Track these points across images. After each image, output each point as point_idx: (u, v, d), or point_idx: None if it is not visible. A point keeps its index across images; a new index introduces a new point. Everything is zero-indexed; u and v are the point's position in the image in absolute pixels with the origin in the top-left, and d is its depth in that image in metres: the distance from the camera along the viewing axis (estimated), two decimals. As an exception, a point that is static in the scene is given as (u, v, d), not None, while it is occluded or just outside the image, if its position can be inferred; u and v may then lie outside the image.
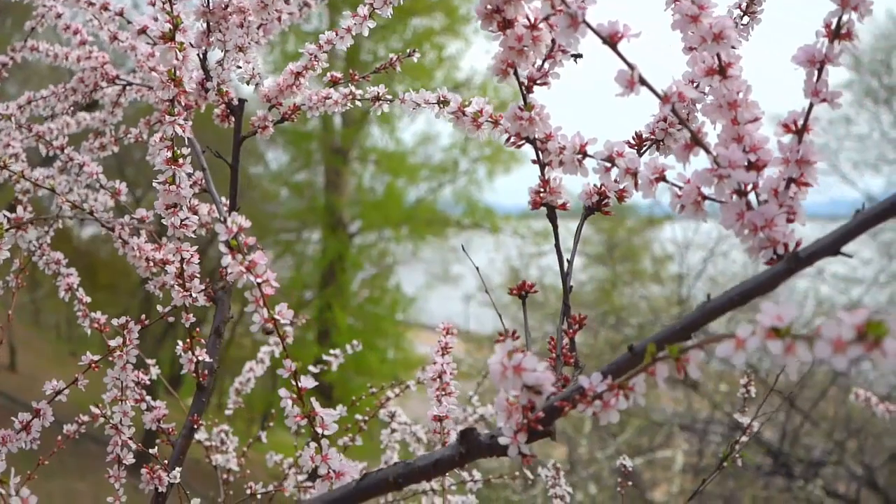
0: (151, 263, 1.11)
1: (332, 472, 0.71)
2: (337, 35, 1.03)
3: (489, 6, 0.64)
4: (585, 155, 0.70)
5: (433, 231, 12.41)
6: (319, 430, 0.72)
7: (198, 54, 1.07)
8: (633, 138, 0.75)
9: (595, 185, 0.74)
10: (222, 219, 0.68)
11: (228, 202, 1.11)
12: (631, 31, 0.58)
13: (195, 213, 0.96)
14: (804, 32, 0.65)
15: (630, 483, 1.26)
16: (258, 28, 1.06)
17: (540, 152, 0.71)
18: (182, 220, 0.91)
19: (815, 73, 0.59)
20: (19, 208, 0.81)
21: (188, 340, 1.04)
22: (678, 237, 8.49)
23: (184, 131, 0.84)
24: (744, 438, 1.18)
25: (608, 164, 0.68)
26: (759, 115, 0.62)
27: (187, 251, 0.96)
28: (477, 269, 1.00)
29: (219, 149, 1.12)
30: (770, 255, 0.58)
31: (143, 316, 1.02)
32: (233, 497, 1.34)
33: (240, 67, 1.01)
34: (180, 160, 0.86)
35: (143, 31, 1.13)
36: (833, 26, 0.59)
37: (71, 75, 1.38)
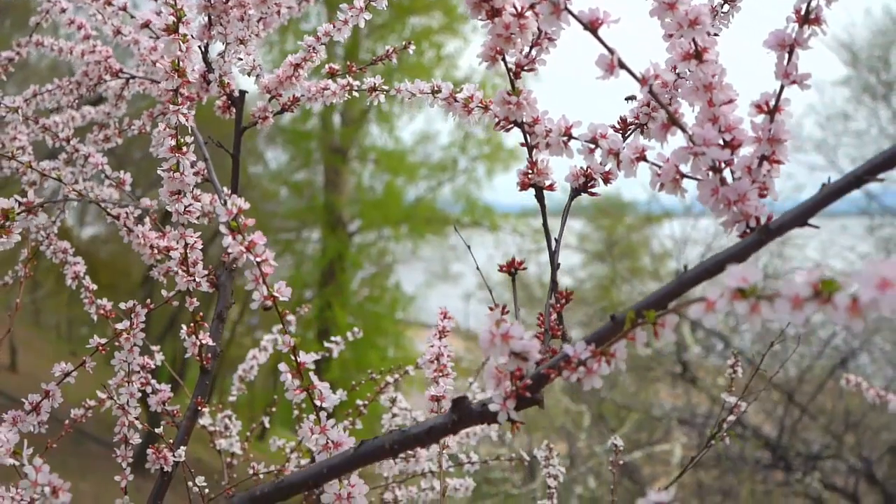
0: (156, 250, 1.15)
1: (331, 443, 0.75)
2: (334, 27, 1.06)
3: (478, -4, 0.68)
4: (570, 137, 0.73)
5: (432, 229, 12.44)
6: (318, 403, 0.76)
7: (199, 47, 1.11)
8: (618, 123, 0.78)
9: (581, 168, 0.77)
10: (223, 201, 0.72)
11: (230, 191, 1.14)
12: (610, 17, 0.62)
13: (198, 201, 0.99)
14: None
15: (622, 462, 1.30)
16: (258, 21, 1.09)
17: (528, 135, 0.74)
18: (186, 207, 0.94)
19: (786, 56, 0.63)
20: (30, 192, 0.84)
21: (192, 324, 1.08)
22: (676, 233, 8.52)
23: (187, 120, 0.88)
24: (731, 418, 1.21)
25: (592, 146, 0.72)
26: (734, 96, 0.65)
27: (191, 237, 0.99)
28: (478, 267, 1.03)
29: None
30: (743, 228, 0.61)
31: (149, 300, 1.06)
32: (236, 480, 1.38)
33: (241, 59, 1.04)
34: (184, 148, 0.90)
35: (146, 25, 1.16)
36: (803, 11, 0.63)
37: (71, 74, 1.42)
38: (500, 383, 0.65)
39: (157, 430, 1.07)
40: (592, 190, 0.79)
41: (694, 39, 0.64)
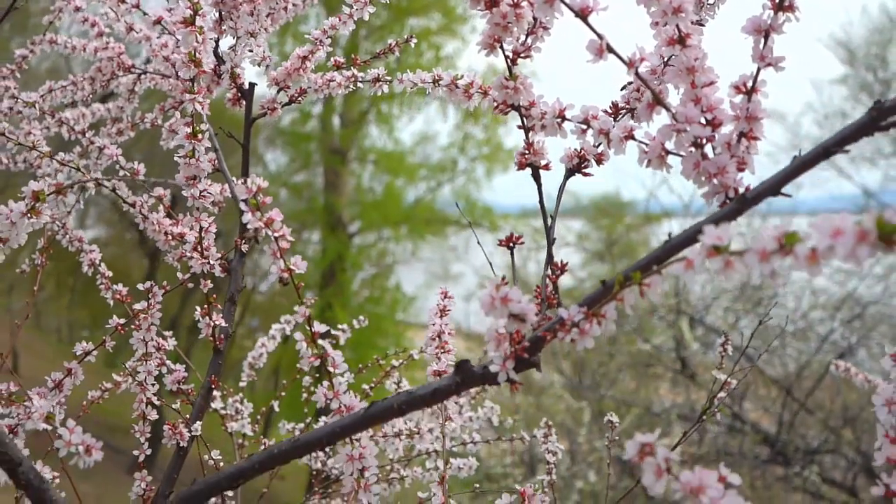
0: (170, 236, 1.20)
1: (343, 406, 0.80)
2: (340, 20, 1.11)
3: (477, -13, 0.73)
4: (564, 119, 0.78)
5: (432, 230, 12.49)
6: (331, 370, 0.81)
7: (210, 42, 1.16)
8: (610, 107, 0.84)
9: (575, 149, 0.82)
10: (242, 180, 0.77)
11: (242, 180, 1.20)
12: (599, 5, 0.67)
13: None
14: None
15: (617, 438, 1.35)
16: (266, 16, 1.14)
17: (524, 118, 0.80)
18: (201, 191, 0.99)
19: (762, 40, 0.68)
20: (59, 175, 0.89)
21: (206, 306, 1.13)
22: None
23: (203, 108, 0.93)
24: (721, 394, 1.26)
25: (584, 127, 0.77)
26: (715, 79, 0.70)
27: (205, 221, 1.04)
28: (490, 262, 1.07)
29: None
30: (722, 199, 0.66)
31: (165, 282, 1.11)
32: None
33: (251, 51, 1.09)
34: (199, 135, 0.95)
35: (158, 21, 1.22)
36: (777, 0, 0.68)
37: (73, 74, 1.47)
38: (500, 345, 0.70)
39: (175, 406, 1.11)
40: (586, 170, 0.84)
41: (678, 26, 0.70)
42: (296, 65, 1.13)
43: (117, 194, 1.16)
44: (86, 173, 1.20)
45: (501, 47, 0.77)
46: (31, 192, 0.82)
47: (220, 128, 1.18)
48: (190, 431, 1.12)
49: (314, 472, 1.57)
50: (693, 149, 0.68)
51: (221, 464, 1.17)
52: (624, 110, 0.83)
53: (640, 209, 10.19)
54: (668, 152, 0.71)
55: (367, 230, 12.41)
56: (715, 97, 0.70)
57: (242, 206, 0.77)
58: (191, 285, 1.12)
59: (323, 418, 1.39)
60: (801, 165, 0.62)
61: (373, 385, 1.48)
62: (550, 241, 0.81)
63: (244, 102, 1.18)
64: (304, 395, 1.47)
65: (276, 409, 1.57)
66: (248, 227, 0.78)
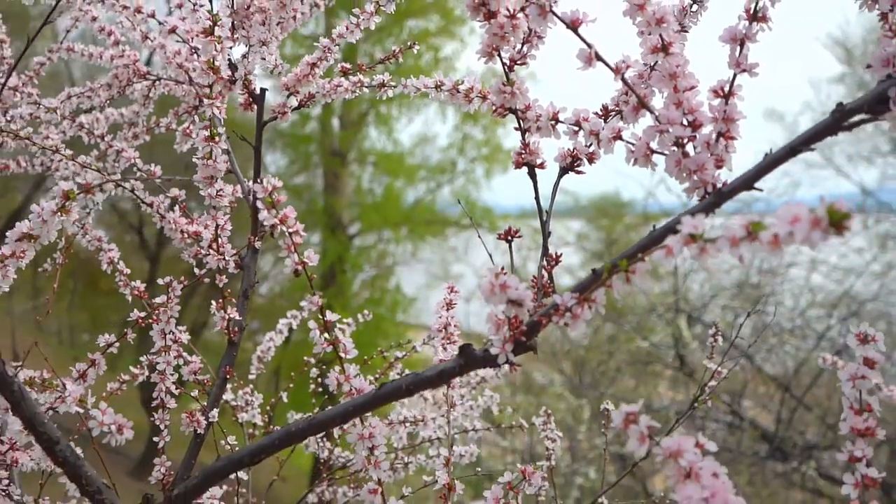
0: (185, 235, 1.26)
1: (354, 389, 0.86)
2: (347, 30, 1.18)
3: (476, 0, 0.79)
4: (557, 121, 0.85)
5: (432, 231, 12.54)
6: (342, 355, 0.88)
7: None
8: (601, 110, 0.90)
9: (568, 149, 0.89)
10: (260, 180, 0.83)
11: (253, 180, 1.26)
12: (589, 17, 0.73)
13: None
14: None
15: (613, 426, 1.41)
16: (276, 24, 1.20)
17: (521, 120, 0.86)
18: (218, 191, 1.05)
19: (738, 48, 0.74)
20: (89, 174, 0.95)
21: (221, 300, 1.19)
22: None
23: (221, 113, 0.99)
24: (712, 383, 1.33)
25: (576, 128, 0.83)
26: (695, 83, 0.77)
27: (221, 219, 1.11)
28: (491, 258, 1.14)
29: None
30: (702, 193, 0.73)
31: (182, 277, 1.17)
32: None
33: (264, 59, 1.16)
34: (217, 138, 1.01)
35: (172, 30, 1.28)
36: (752, 11, 0.74)
37: (72, 83, 1.53)
38: (500, 329, 0.76)
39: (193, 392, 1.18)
40: (579, 169, 0.90)
41: (661, 35, 0.76)
42: (305, 71, 1.19)
43: (135, 194, 1.22)
44: (105, 175, 1.27)
45: (499, 55, 0.84)
46: (61, 192, 0.88)
47: (233, 131, 1.24)
48: (207, 419, 1.18)
49: (322, 461, 1.64)
50: (675, 148, 0.74)
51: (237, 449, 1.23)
52: (613, 113, 0.89)
53: (639, 209, 10.25)
54: (652, 151, 0.77)
55: (366, 231, 12.46)
56: (695, 101, 0.76)
57: (259, 203, 0.83)
58: (206, 280, 1.18)
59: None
60: (771, 163, 0.68)
61: (377, 376, 1.55)
62: (546, 235, 0.87)
63: (255, 107, 1.25)
64: (312, 385, 1.53)
65: (285, 399, 1.64)
66: (265, 223, 0.84)
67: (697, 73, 0.78)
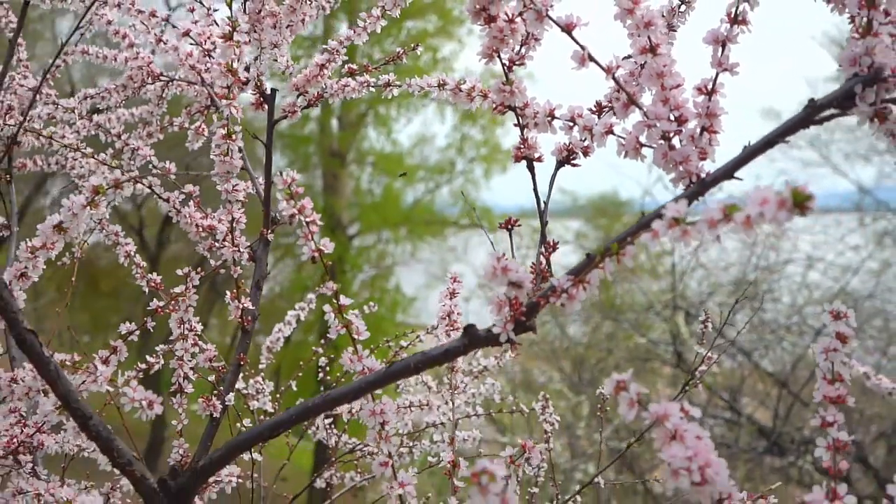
0: (200, 228, 1.33)
1: (366, 368, 0.92)
2: (355, 33, 1.24)
3: (477, 5, 0.85)
4: (554, 117, 0.91)
5: (431, 231, 12.60)
6: (356, 337, 0.94)
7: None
8: (595, 106, 0.96)
9: (564, 144, 0.95)
10: (279, 172, 0.89)
11: (264, 177, 1.32)
12: (582, 21, 0.80)
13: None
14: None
15: (607, 409, 1.47)
16: (287, 27, 1.27)
17: (519, 117, 0.92)
18: (234, 186, 1.12)
19: (720, 49, 0.81)
20: (116, 171, 1.02)
21: (235, 290, 1.26)
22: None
23: (238, 112, 1.05)
24: (702, 367, 1.39)
25: (571, 124, 0.90)
26: (681, 81, 0.83)
27: (237, 213, 1.17)
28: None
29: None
30: (687, 183, 0.79)
31: (199, 268, 1.23)
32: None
33: (276, 61, 1.22)
34: (233, 135, 1.07)
35: (186, 33, 1.34)
36: (732, 14, 0.81)
37: (71, 85, 1.59)
38: (501, 310, 0.83)
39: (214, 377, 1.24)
40: (574, 162, 0.96)
41: (649, 37, 0.82)
42: (314, 72, 1.25)
43: (153, 190, 1.28)
44: (123, 171, 1.33)
45: (499, 56, 0.90)
46: (90, 187, 0.95)
47: (244, 130, 1.30)
48: (222, 403, 1.24)
49: (330, 448, 1.70)
50: (662, 141, 0.80)
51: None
52: (606, 109, 0.95)
53: (637, 208, 10.32)
54: (641, 144, 0.83)
55: (366, 232, 12.52)
56: (681, 97, 0.82)
57: (279, 195, 0.90)
58: (221, 271, 1.24)
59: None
60: (749, 154, 0.74)
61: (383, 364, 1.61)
62: (543, 224, 0.93)
63: (266, 107, 1.31)
64: (321, 373, 1.59)
65: (294, 388, 1.70)
66: (284, 213, 0.90)
67: (686, 71, 0.85)
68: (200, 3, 1.28)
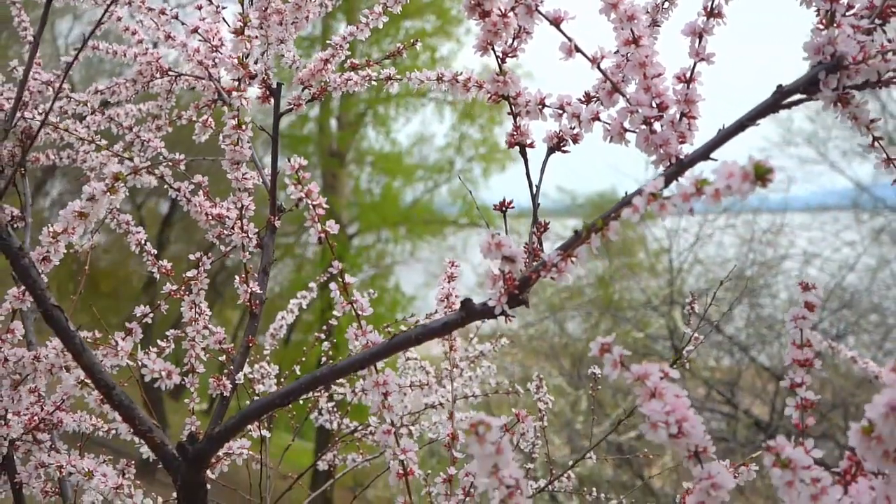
0: (209, 217, 1.39)
1: (369, 342, 0.99)
2: (358, 28, 1.30)
3: (472, 1, 0.92)
4: (544, 105, 0.97)
5: (431, 231, 12.66)
6: (360, 313, 1.00)
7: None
8: (584, 96, 1.02)
9: (555, 131, 1.01)
10: (288, 158, 0.95)
11: (271, 167, 1.38)
12: (569, 14, 0.86)
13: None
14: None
15: (599, 387, 1.53)
16: (291, 24, 1.33)
17: (512, 106, 0.98)
18: (243, 174, 1.18)
19: (697, 40, 0.87)
20: (136, 158, 1.07)
21: (244, 275, 1.32)
22: (668, 225, 8.77)
23: (247, 104, 1.11)
24: (689, 347, 1.45)
25: (560, 111, 0.96)
26: (662, 71, 0.89)
27: (246, 200, 1.23)
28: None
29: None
30: (667, 164, 0.85)
31: (209, 254, 1.29)
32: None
33: (283, 56, 1.28)
34: (243, 126, 1.13)
35: (195, 30, 1.41)
36: (709, 8, 0.87)
37: (71, 85, 1.64)
38: (496, 284, 0.89)
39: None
40: (564, 148, 1.03)
41: (632, 30, 0.88)
42: (318, 66, 1.31)
43: (165, 180, 1.34)
44: (136, 163, 1.39)
45: (493, 48, 0.96)
46: (111, 174, 1.01)
47: (252, 121, 1.37)
48: (232, 382, 1.31)
49: (334, 432, 1.76)
50: (644, 126, 0.87)
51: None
52: (595, 99, 1.02)
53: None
54: (625, 129, 0.89)
55: (365, 231, 12.58)
56: (662, 86, 0.89)
57: (287, 180, 0.96)
58: (231, 256, 1.30)
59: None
60: (723, 137, 0.81)
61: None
62: (536, 205, 0.99)
63: (273, 100, 1.37)
64: (324, 358, 1.65)
65: (298, 372, 1.76)
66: (292, 197, 0.96)
67: (672, 61, 0.91)
68: (210, 0, 1.33)
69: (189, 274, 1.24)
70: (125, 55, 1.60)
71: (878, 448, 0.59)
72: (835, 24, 0.78)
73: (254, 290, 1.33)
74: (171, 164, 1.40)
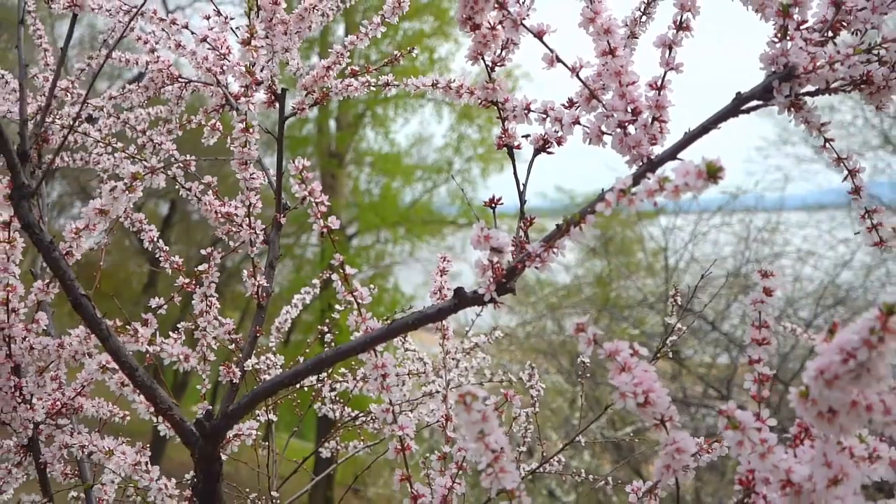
0: (218, 215, 1.47)
1: (369, 328, 1.07)
2: (357, 38, 1.39)
3: (464, 15, 1.00)
4: (530, 110, 1.06)
5: (430, 231, 12.74)
6: (359, 301, 1.09)
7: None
8: (567, 101, 1.11)
9: (540, 134, 1.10)
10: (293, 160, 1.04)
11: (276, 168, 1.47)
12: (551, 28, 0.95)
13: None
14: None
15: (588, 375, 1.62)
16: (295, 33, 1.42)
17: (501, 110, 1.07)
18: (251, 174, 1.26)
19: (667, 50, 0.96)
20: (153, 159, 1.16)
21: (252, 269, 1.40)
22: (663, 224, 8.86)
23: (255, 109, 1.20)
24: (673, 337, 1.54)
25: (544, 116, 1.04)
26: (636, 79, 0.98)
27: (253, 198, 1.31)
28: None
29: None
30: (640, 163, 0.94)
31: (220, 248, 1.38)
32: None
33: (287, 64, 1.37)
34: (251, 129, 1.22)
35: (203, 39, 1.49)
36: (677, 22, 0.96)
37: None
38: (485, 273, 0.97)
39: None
40: (549, 150, 1.11)
41: (608, 42, 0.97)
42: (321, 73, 1.40)
43: (177, 180, 1.43)
44: (149, 164, 1.47)
45: (483, 58, 1.05)
46: (129, 174, 1.09)
47: (258, 124, 1.45)
48: (241, 370, 1.39)
49: (335, 420, 1.85)
50: (619, 129, 0.95)
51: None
52: (577, 104, 1.10)
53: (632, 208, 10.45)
54: (603, 132, 0.98)
55: (364, 232, 12.66)
56: (636, 93, 0.97)
57: (291, 179, 1.04)
58: (239, 252, 1.39)
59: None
60: (689, 139, 0.89)
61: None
62: (523, 202, 1.08)
63: (277, 104, 1.46)
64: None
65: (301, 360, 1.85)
66: (297, 194, 1.05)
67: (652, 68, 1.00)
68: (218, 12, 1.42)
69: (200, 268, 1.33)
70: (137, 63, 1.68)
71: (814, 409, 0.68)
72: (788, 37, 0.87)
73: (261, 283, 1.42)
74: (182, 164, 1.49)
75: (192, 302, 1.38)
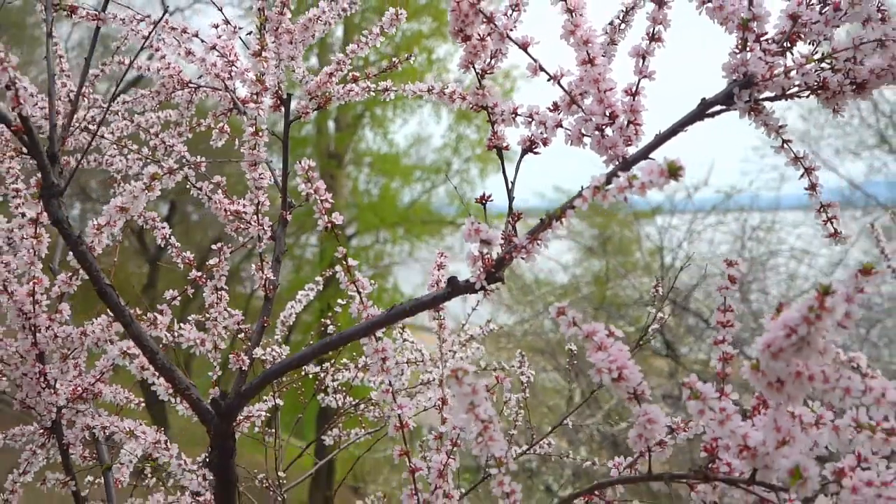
0: (228, 213, 1.57)
1: (370, 315, 1.17)
2: (359, 47, 1.49)
3: (456, 27, 1.10)
4: (516, 114, 1.15)
5: (429, 231, 12.82)
6: (361, 290, 1.18)
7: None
8: (552, 105, 1.20)
9: (527, 136, 1.19)
10: (299, 161, 1.13)
11: (282, 169, 1.56)
12: (535, 39, 1.04)
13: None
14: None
15: (576, 362, 1.71)
16: (300, 42, 1.51)
17: (490, 114, 1.16)
18: (260, 174, 1.36)
19: (640, 60, 1.05)
20: (170, 161, 1.25)
21: (260, 263, 1.50)
22: (658, 223, 8.95)
23: (264, 114, 1.29)
24: (655, 326, 1.63)
25: (530, 119, 1.14)
26: (613, 86, 1.07)
27: (261, 196, 1.41)
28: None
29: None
30: (616, 164, 1.03)
31: (230, 244, 1.47)
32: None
33: (293, 72, 1.46)
34: (260, 132, 1.31)
35: (213, 47, 1.58)
36: (650, 34, 1.05)
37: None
38: (476, 263, 1.07)
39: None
40: (536, 150, 1.21)
41: (587, 52, 1.07)
42: (324, 80, 1.50)
43: (189, 180, 1.52)
44: (163, 165, 1.57)
45: (473, 66, 1.14)
46: (149, 174, 1.19)
47: (266, 128, 1.54)
48: (250, 357, 1.48)
49: (337, 409, 1.94)
50: (597, 132, 1.05)
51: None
52: (560, 108, 1.20)
53: (629, 206, 10.58)
54: (583, 135, 1.07)
55: (364, 232, 12.74)
56: (613, 98, 1.07)
57: (297, 178, 1.14)
58: (248, 247, 1.48)
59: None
60: (659, 140, 0.99)
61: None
62: (511, 199, 1.17)
63: (283, 109, 1.55)
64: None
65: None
66: (302, 192, 1.14)
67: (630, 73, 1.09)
68: (227, 21, 1.51)
69: (211, 262, 1.42)
70: (148, 69, 1.78)
71: (764, 379, 0.77)
72: (748, 48, 0.96)
73: (269, 276, 1.51)
74: (193, 166, 1.58)
75: (203, 294, 1.48)
